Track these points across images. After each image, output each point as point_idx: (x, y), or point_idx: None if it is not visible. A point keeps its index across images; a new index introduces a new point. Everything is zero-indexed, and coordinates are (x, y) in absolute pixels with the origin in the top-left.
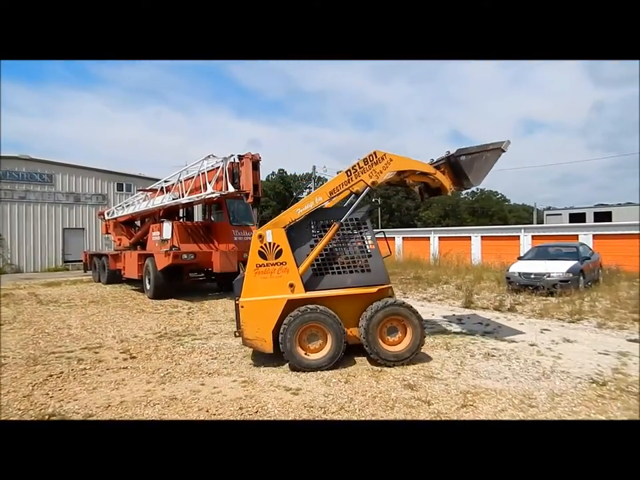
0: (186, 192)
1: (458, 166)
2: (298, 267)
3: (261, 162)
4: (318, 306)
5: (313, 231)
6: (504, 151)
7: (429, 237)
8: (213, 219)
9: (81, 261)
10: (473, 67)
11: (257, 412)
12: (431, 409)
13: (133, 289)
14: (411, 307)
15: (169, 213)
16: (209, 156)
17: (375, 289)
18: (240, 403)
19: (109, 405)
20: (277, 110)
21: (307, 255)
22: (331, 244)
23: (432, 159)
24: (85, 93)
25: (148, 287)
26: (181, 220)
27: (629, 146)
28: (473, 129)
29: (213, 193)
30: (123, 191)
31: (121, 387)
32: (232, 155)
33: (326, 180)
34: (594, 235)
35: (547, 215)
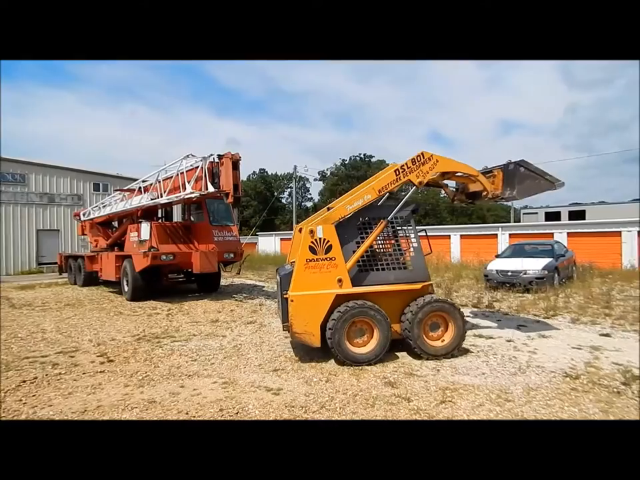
0: (164, 192)
1: (512, 174)
2: (346, 263)
3: (241, 161)
4: (366, 301)
5: (359, 228)
6: (554, 188)
7: None
8: (192, 219)
9: (55, 263)
10: (452, 68)
11: (237, 413)
12: (410, 406)
13: (111, 291)
14: (454, 303)
15: (147, 213)
16: (187, 155)
17: (419, 286)
18: (220, 405)
19: (85, 410)
20: (258, 109)
21: (353, 251)
22: (376, 241)
23: (486, 166)
24: (61, 91)
25: (126, 288)
26: (160, 220)
27: (600, 147)
28: (452, 130)
29: (192, 192)
30: (99, 191)
31: (97, 391)
32: (211, 155)
33: (307, 180)
34: (568, 233)
35: (523, 213)
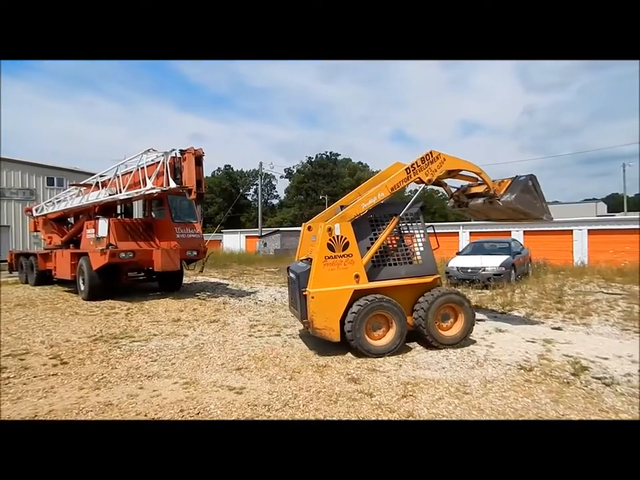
0: (124, 187)
1: (520, 182)
2: (362, 259)
3: (204, 157)
4: (383, 295)
5: (372, 225)
6: (542, 218)
7: None
8: (153, 215)
9: (5, 261)
10: (416, 68)
11: (198, 414)
12: (372, 401)
13: (66, 290)
14: (464, 295)
15: (106, 209)
16: (148, 150)
17: (430, 279)
18: (181, 405)
19: (36, 415)
20: (222, 105)
21: (367, 248)
22: (388, 237)
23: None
24: (12, 80)
25: (82, 287)
26: (119, 217)
27: (554, 149)
28: (416, 129)
29: (153, 188)
30: (53, 185)
31: (49, 395)
32: (173, 150)
33: (273, 177)
34: (524, 232)
35: None
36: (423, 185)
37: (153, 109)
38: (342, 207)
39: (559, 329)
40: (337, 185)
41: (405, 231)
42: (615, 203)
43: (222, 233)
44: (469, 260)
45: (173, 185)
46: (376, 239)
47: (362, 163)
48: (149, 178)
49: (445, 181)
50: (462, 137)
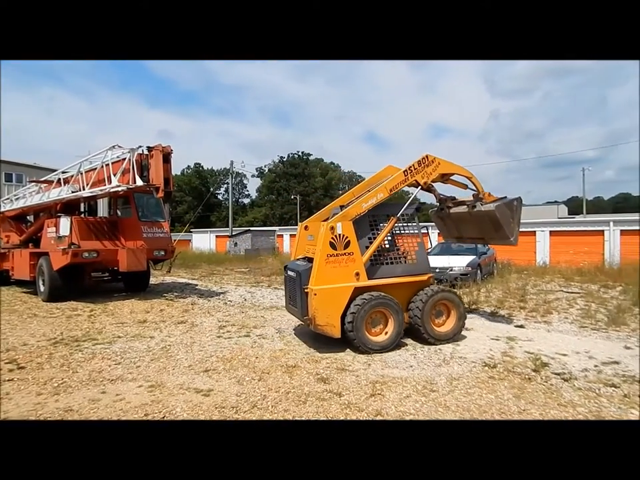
0: (87, 184)
1: (504, 200)
2: (362, 257)
3: (172, 154)
4: (381, 293)
5: (370, 225)
6: (508, 240)
7: None
8: (119, 214)
9: None
10: (386, 69)
11: (164, 417)
12: (341, 401)
13: (24, 292)
14: (457, 293)
15: (68, 207)
16: (113, 146)
17: (425, 277)
18: (145, 409)
19: None
20: (192, 102)
21: (366, 247)
22: (386, 237)
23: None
24: None
25: (42, 288)
26: (82, 215)
27: (519, 152)
28: (387, 131)
29: (119, 186)
30: (12, 181)
31: (4, 401)
32: (140, 146)
33: (244, 176)
34: None
35: None
36: (419, 187)
37: (118, 104)
38: (342, 207)
39: (521, 326)
40: (309, 184)
41: (401, 231)
42: (574, 206)
43: (191, 232)
44: (436, 260)
45: (139, 182)
46: (374, 238)
47: (334, 164)
48: (114, 175)
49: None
50: (431, 139)
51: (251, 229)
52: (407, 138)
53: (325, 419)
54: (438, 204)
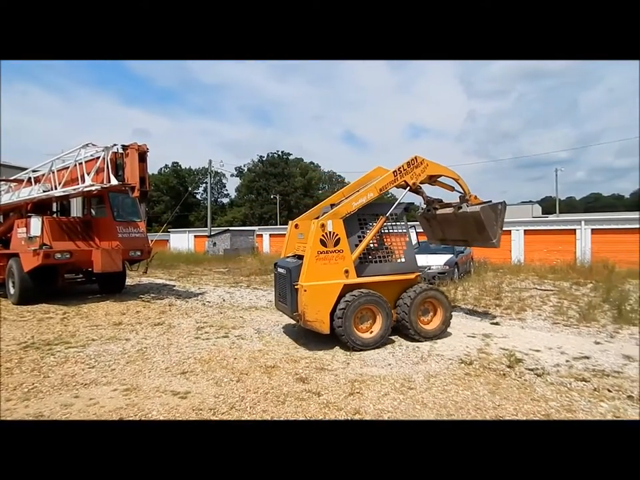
0: (60, 184)
1: (490, 203)
2: (351, 255)
3: (148, 153)
4: (369, 290)
5: (360, 223)
6: (491, 240)
7: None
8: (93, 214)
9: None
10: (365, 70)
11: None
12: (320, 400)
13: None
14: (443, 291)
15: (40, 206)
16: (87, 144)
17: (413, 276)
18: (120, 414)
19: None
20: (171, 100)
21: (355, 245)
22: (375, 235)
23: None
24: None
25: (12, 291)
26: (54, 215)
27: (495, 153)
28: (365, 131)
29: (93, 185)
30: None
31: None
32: (115, 145)
33: (223, 175)
34: None
35: None
36: (407, 188)
37: (93, 101)
38: (332, 206)
39: (497, 324)
40: (289, 184)
41: (390, 230)
42: (548, 205)
43: (169, 232)
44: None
45: (114, 182)
46: (364, 236)
47: (313, 163)
48: (88, 174)
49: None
50: (410, 139)
51: (230, 228)
52: (386, 138)
53: (325, 419)
54: (425, 205)
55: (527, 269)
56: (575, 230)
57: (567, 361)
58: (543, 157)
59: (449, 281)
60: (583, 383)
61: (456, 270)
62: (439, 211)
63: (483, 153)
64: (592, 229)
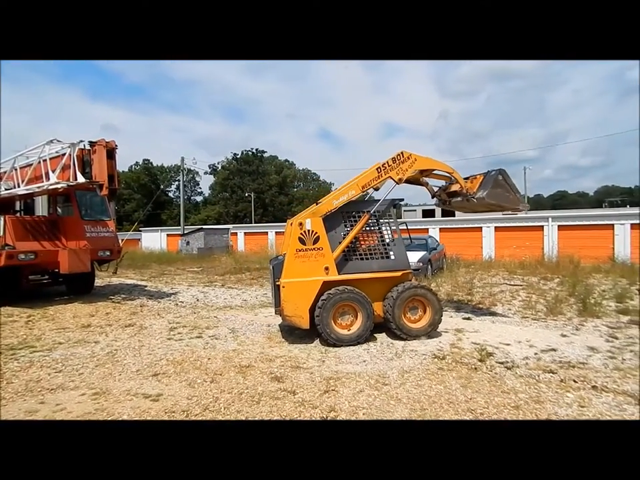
0: (23, 181)
1: (490, 178)
2: (332, 252)
3: (117, 150)
4: (353, 287)
5: (345, 221)
6: (518, 208)
7: None
8: (59, 212)
9: None
10: (340, 69)
11: None
12: (295, 399)
13: None
14: (431, 289)
15: (1, 205)
16: (52, 140)
17: (399, 273)
18: (89, 419)
19: None
20: (140, 95)
21: (339, 242)
22: (360, 233)
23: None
24: None
25: None
26: (18, 214)
27: (467, 152)
28: (341, 129)
29: (58, 183)
30: None
31: None
32: (81, 141)
33: (197, 173)
34: (440, 229)
35: (404, 210)
36: (394, 184)
37: (59, 95)
38: (317, 204)
39: (469, 318)
40: (264, 182)
41: (377, 228)
42: None
43: (140, 231)
44: None
45: (81, 179)
46: (348, 234)
47: (288, 161)
48: (53, 171)
49: (427, 180)
50: (385, 137)
51: (204, 227)
52: (362, 136)
53: (324, 419)
54: (434, 197)
55: (498, 265)
56: (542, 226)
57: (536, 354)
58: (512, 156)
59: (423, 277)
60: (551, 374)
61: (429, 266)
62: (452, 201)
63: (455, 151)
64: (558, 226)
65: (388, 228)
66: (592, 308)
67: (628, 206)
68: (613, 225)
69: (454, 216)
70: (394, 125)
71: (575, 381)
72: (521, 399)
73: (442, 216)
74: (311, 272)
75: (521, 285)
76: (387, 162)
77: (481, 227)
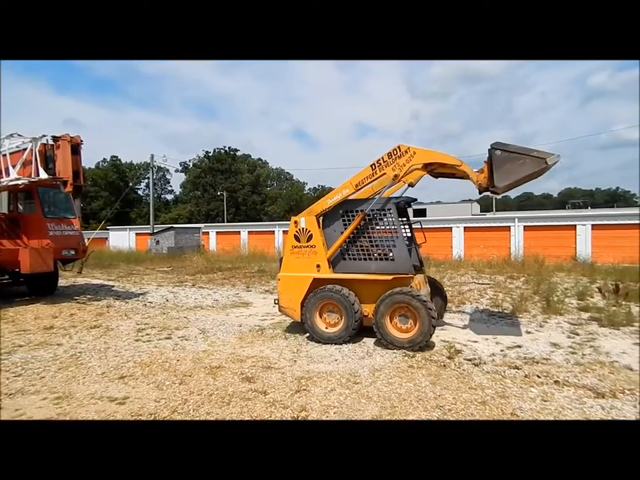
0: None
1: (492, 161)
2: (327, 251)
3: (82, 145)
4: (335, 286)
5: (344, 219)
6: (547, 165)
7: (274, 231)
8: (20, 210)
9: None
10: (312, 68)
11: None
12: (266, 399)
13: None
14: (421, 298)
15: None
16: (12, 134)
17: (390, 277)
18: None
19: None
20: (107, 90)
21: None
22: (358, 233)
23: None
24: None
25: None
26: None
27: None
28: (315, 129)
29: (19, 179)
30: None
31: None
32: (44, 136)
33: (167, 170)
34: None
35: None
36: (391, 181)
37: (19, 87)
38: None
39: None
40: (236, 181)
41: (378, 227)
42: (485, 204)
43: (108, 229)
44: None
45: (43, 175)
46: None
47: (262, 160)
48: (13, 167)
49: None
50: (358, 137)
51: (175, 226)
52: (335, 135)
53: (323, 419)
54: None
55: (467, 264)
56: (509, 227)
57: (502, 350)
58: (481, 157)
59: None
60: (516, 370)
61: None
62: (491, 188)
63: None
64: (524, 226)
65: (388, 228)
66: (555, 305)
67: (589, 207)
68: (575, 225)
69: (424, 216)
70: (366, 125)
71: (538, 376)
72: (488, 394)
73: (414, 216)
74: (304, 268)
75: (489, 284)
76: (382, 157)
77: (451, 227)
